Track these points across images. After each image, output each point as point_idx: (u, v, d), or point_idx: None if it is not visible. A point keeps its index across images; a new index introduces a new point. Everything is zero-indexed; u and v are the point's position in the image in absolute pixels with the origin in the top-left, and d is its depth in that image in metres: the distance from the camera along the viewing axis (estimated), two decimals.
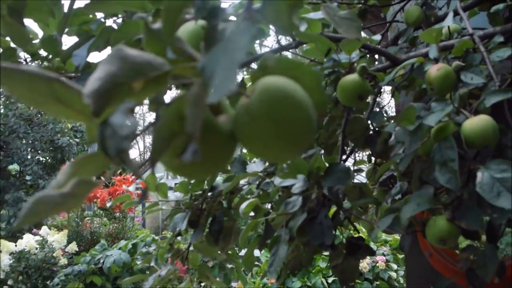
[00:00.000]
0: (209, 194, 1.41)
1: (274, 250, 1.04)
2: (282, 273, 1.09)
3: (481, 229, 0.85)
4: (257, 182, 1.35)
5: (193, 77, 0.32)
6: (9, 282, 4.11)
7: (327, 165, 1.04)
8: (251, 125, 0.35)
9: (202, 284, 1.86)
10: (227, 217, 1.42)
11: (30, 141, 9.42)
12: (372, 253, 1.03)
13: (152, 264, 1.42)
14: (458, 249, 1.04)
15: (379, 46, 1.09)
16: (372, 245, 4.20)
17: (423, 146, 0.94)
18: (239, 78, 1.12)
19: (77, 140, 8.58)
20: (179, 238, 1.51)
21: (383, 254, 4.05)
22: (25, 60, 1.05)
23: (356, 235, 1.05)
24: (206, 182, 1.41)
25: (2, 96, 9.20)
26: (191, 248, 1.48)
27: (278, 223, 1.12)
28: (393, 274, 3.96)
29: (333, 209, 1.08)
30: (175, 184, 1.41)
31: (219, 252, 1.53)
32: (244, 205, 1.06)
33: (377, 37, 1.13)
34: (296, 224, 1.00)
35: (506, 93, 0.86)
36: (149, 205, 1.37)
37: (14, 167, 9.23)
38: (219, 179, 1.48)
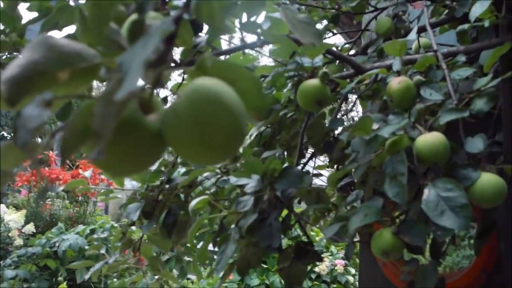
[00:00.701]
0: (167, 186, 1.39)
1: (223, 248, 1.03)
2: (227, 272, 1.09)
3: (424, 245, 0.86)
4: (215, 179, 1.34)
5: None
6: None
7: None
8: (176, 126, 0.34)
9: (156, 277, 1.85)
10: (184, 210, 1.41)
11: None
12: (320, 259, 1.04)
13: (103, 251, 1.40)
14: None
15: (340, 52, 1.10)
16: (333, 248, 4.25)
17: (378, 157, 0.95)
18: (181, 76, 1.11)
19: None
20: (133, 227, 1.49)
21: (343, 258, 4.10)
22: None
23: (304, 240, 1.06)
24: (165, 173, 1.40)
25: None
26: (145, 238, 1.46)
27: (230, 221, 1.11)
28: (351, 278, 4.02)
29: (285, 212, 1.08)
30: None
31: (173, 244, 1.51)
32: (194, 202, 1.05)
33: (340, 43, 1.13)
34: (245, 223, 1.00)
35: (461, 112, 0.87)
36: (102, 192, 1.35)
37: None
38: (178, 171, 1.46)
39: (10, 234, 4.10)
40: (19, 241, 4.01)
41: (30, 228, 4.16)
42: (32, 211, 4.67)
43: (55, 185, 5.47)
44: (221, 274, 1.05)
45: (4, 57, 1.02)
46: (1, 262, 3.73)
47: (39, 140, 0.30)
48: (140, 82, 0.33)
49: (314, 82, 0.95)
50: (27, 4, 0.94)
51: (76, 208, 4.87)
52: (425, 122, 0.90)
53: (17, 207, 5.09)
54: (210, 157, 0.36)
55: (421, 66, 0.98)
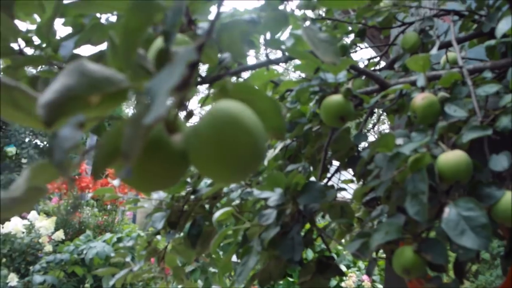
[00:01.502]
0: (192, 196, 1.42)
1: (245, 260, 1.05)
2: (248, 283, 1.10)
3: (446, 263, 0.85)
4: (240, 191, 1.36)
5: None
6: None
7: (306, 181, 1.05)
8: (197, 146, 0.36)
9: (179, 287, 1.87)
10: (208, 221, 1.43)
11: None
12: (341, 273, 1.04)
13: (128, 259, 1.43)
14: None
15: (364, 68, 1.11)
16: (360, 263, 4.20)
17: (401, 174, 0.95)
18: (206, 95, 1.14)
19: None
20: (158, 237, 1.52)
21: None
22: (19, 46, 1.06)
23: (327, 255, 1.06)
24: (191, 184, 1.42)
25: None
26: (170, 248, 1.49)
27: (253, 233, 1.13)
28: None
29: (308, 226, 1.09)
30: None
31: (197, 255, 1.53)
32: (218, 213, 1.07)
33: (364, 59, 1.14)
34: (268, 236, 1.01)
35: (484, 130, 0.87)
36: (129, 201, 1.38)
37: (10, 149, 9.25)
38: (204, 182, 1.49)
39: (40, 240, 4.21)
40: (48, 248, 4.11)
41: (60, 235, 4.26)
42: (62, 219, 4.78)
43: (85, 194, 5.59)
44: (242, 285, 1.07)
45: (39, 70, 1.07)
46: (31, 267, 3.82)
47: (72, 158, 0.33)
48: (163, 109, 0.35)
49: (337, 98, 0.96)
50: (62, 20, 0.99)
51: (104, 217, 4.96)
52: (449, 140, 0.90)
53: (48, 214, 5.22)
54: (229, 175, 0.37)
55: (446, 82, 0.98)
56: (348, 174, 1.56)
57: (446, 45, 1.28)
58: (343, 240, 1.35)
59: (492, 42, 1.13)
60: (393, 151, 0.91)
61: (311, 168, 1.35)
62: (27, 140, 9.37)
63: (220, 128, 0.36)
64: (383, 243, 0.86)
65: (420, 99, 0.98)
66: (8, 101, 0.33)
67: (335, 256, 1.06)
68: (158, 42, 0.47)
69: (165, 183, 0.39)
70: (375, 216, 1.09)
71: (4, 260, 4.16)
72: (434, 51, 1.06)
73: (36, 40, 1.05)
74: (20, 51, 1.07)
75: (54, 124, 0.29)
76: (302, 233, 1.04)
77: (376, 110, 1.46)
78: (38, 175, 0.33)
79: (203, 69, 1.09)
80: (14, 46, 1.07)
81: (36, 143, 8.61)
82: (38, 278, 3.39)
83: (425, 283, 1.48)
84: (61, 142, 0.27)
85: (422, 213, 0.81)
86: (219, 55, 0.97)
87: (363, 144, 1.26)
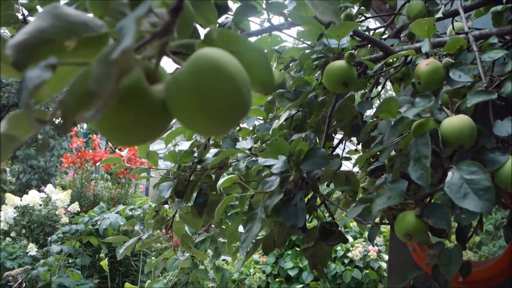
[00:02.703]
0: (198, 166, 1.43)
1: (249, 227, 1.06)
2: (251, 251, 1.11)
3: (448, 228, 0.85)
4: (246, 160, 1.37)
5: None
6: (12, 234, 4.21)
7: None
8: (178, 95, 0.35)
9: (187, 254, 1.90)
10: (214, 191, 1.44)
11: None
12: (345, 240, 1.04)
13: (137, 228, 1.45)
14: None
15: (367, 33, 1.08)
16: (366, 234, 4.21)
17: (404, 140, 0.94)
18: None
19: None
20: (166, 206, 1.54)
21: (376, 244, 4.07)
22: (23, 15, 1.06)
23: (330, 221, 1.07)
24: (196, 154, 1.43)
25: None
26: (177, 217, 1.51)
27: (257, 201, 1.13)
28: (383, 264, 3.99)
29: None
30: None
31: (204, 224, 1.55)
32: (222, 181, 1.08)
33: (369, 24, 1.12)
34: (271, 203, 1.02)
35: (489, 94, 0.85)
36: (136, 171, 1.39)
37: None
38: (211, 152, 1.49)
39: (57, 212, 4.30)
40: (65, 219, 4.20)
41: (75, 207, 4.35)
42: (77, 191, 4.86)
43: (98, 167, 5.66)
44: (246, 251, 1.08)
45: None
46: (48, 238, 3.91)
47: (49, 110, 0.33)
48: (145, 51, 0.35)
49: (340, 63, 0.95)
50: None
51: (118, 190, 5.04)
52: (453, 105, 0.88)
53: (64, 187, 5.32)
54: (210, 125, 0.36)
55: (451, 48, 0.96)
56: (353, 146, 1.55)
57: (452, 14, 1.25)
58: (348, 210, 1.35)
59: (498, 7, 1.10)
60: (397, 116, 0.90)
61: (316, 138, 1.35)
62: None
63: (201, 75, 0.34)
64: (385, 208, 0.86)
65: (424, 64, 0.96)
66: None
67: (338, 223, 1.07)
68: None
69: (144, 135, 0.37)
70: (379, 184, 1.08)
71: (23, 231, 4.28)
72: (439, 14, 1.03)
73: (40, 9, 1.05)
74: (24, 20, 1.07)
75: (24, 66, 0.29)
76: (306, 200, 1.04)
77: (381, 80, 1.44)
78: (16, 124, 0.33)
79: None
80: (18, 14, 1.08)
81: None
82: (55, 248, 3.47)
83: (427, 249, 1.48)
84: (27, 82, 0.27)
85: (425, 178, 0.80)
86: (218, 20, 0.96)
87: (368, 113, 1.25)
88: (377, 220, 1.03)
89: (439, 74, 0.94)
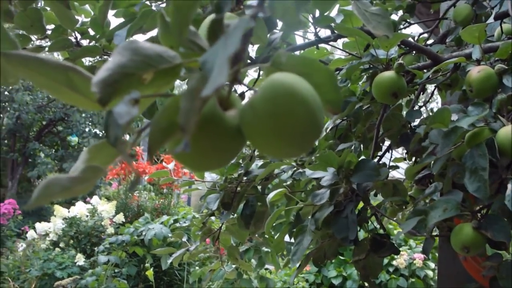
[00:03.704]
0: (244, 178, 1.44)
1: (299, 239, 1.06)
2: (303, 263, 1.11)
3: (508, 240, 0.83)
4: (291, 172, 1.37)
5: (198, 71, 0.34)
6: (61, 244, 4.36)
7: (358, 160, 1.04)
8: (253, 120, 0.35)
9: (233, 266, 1.91)
10: (261, 202, 1.45)
11: (88, 115, 9.88)
12: (396, 252, 1.03)
13: (184, 239, 1.48)
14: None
15: (416, 42, 1.07)
16: (411, 242, 4.12)
17: (457, 149, 0.92)
18: (257, 73, 1.14)
19: None
20: (213, 218, 1.56)
21: (421, 252, 3.96)
22: (76, 38, 1.10)
23: (381, 233, 1.05)
24: (243, 166, 1.44)
25: None
26: (224, 228, 1.52)
27: (306, 212, 1.13)
28: (430, 273, 3.88)
29: (361, 204, 1.08)
30: None
31: (250, 235, 1.56)
32: (272, 195, 1.08)
33: (415, 33, 1.10)
34: (322, 216, 1.01)
35: None
36: (183, 183, 1.42)
37: (73, 139, 9.74)
38: (256, 164, 1.51)
39: (103, 223, 4.42)
40: (110, 230, 4.32)
41: (120, 217, 4.46)
42: (122, 202, 4.98)
43: (142, 178, 5.79)
44: (298, 264, 1.08)
45: (96, 60, 1.11)
46: (95, 248, 4.02)
47: (128, 137, 0.34)
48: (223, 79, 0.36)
49: (389, 74, 0.94)
50: (114, 11, 1.02)
51: (161, 200, 5.13)
52: (508, 113, 0.86)
53: (109, 199, 5.46)
54: (286, 150, 0.36)
55: (503, 54, 0.93)
56: (398, 153, 1.53)
57: (501, 16, 1.21)
58: (395, 219, 1.33)
59: None
60: (449, 126, 0.88)
61: (361, 147, 1.33)
62: (87, 129, 9.81)
63: (275, 100, 0.35)
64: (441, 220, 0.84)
65: (476, 71, 0.94)
66: (64, 83, 0.34)
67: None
68: (207, 22, 0.48)
69: (220, 160, 0.38)
70: (428, 193, 1.06)
71: (71, 241, 4.42)
72: (490, 19, 1.01)
73: (91, 32, 1.09)
74: (77, 43, 1.12)
75: (108, 102, 0.30)
76: (356, 212, 1.03)
77: (427, 86, 1.41)
78: (95, 155, 0.34)
79: (252, 50, 1.10)
80: (71, 38, 1.12)
81: (95, 132, 8.97)
82: (102, 258, 3.57)
83: (481, 262, 1.43)
84: (116, 118, 0.28)
85: (483, 190, 0.78)
86: (268, 36, 0.97)
87: (416, 122, 1.23)
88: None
89: (491, 81, 0.92)
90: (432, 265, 3.96)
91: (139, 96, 0.31)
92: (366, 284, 1.09)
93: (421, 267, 3.86)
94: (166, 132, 0.32)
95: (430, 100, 1.45)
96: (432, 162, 0.96)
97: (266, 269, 3.72)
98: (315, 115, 0.36)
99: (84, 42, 1.11)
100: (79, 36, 1.09)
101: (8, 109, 8.92)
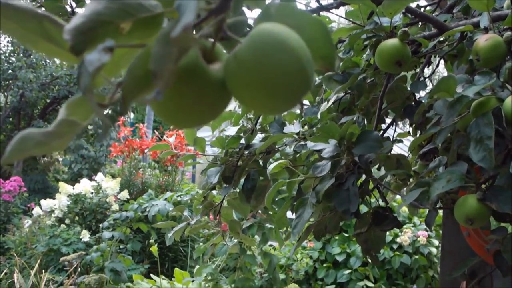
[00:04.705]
0: (246, 152, 1.42)
1: (300, 212, 1.04)
2: (303, 236, 1.09)
3: None
4: (293, 145, 1.35)
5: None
6: (66, 221, 4.40)
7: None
8: (238, 73, 0.33)
9: (235, 240, 1.91)
10: (262, 176, 1.43)
11: None
12: (399, 225, 1.01)
13: (186, 213, 1.47)
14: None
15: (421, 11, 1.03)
16: (415, 219, 4.12)
17: (463, 120, 0.90)
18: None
19: None
20: (214, 192, 1.55)
21: (426, 230, 3.97)
22: (71, 6, 1.08)
23: (384, 206, 1.03)
24: (243, 139, 1.42)
25: None
26: (225, 203, 1.51)
27: (307, 186, 1.11)
28: (434, 250, 3.89)
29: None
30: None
31: (252, 210, 1.55)
32: (272, 166, 1.06)
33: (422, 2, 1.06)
34: (323, 188, 0.99)
35: None
36: (183, 157, 1.40)
37: None
38: (258, 137, 1.48)
39: (107, 199, 4.45)
40: (115, 206, 4.34)
41: (125, 194, 4.48)
42: (126, 179, 5.00)
43: (145, 156, 5.80)
44: (297, 237, 1.06)
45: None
46: (100, 225, 4.05)
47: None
48: (203, 30, 0.33)
49: (393, 41, 0.91)
50: None
51: (165, 177, 5.14)
52: None
53: (113, 176, 5.48)
54: (273, 103, 0.34)
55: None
56: (400, 130, 1.50)
57: None
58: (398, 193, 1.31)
59: None
60: (455, 96, 0.86)
61: (365, 122, 1.31)
62: None
63: (262, 51, 0.32)
64: (444, 192, 0.82)
65: (483, 40, 0.90)
66: (39, 32, 0.32)
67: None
68: None
69: (203, 116, 0.36)
70: (433, 167, 1.04)
71: (76, 218, 4.45)
72: None
73: (88, 1, 1.06)
74: (72, 11, 1.09)
75: (82, 51, 0.28)
76: (358, 184, 1.01)
77: (432, 58, 1.37)
78: (74, 111, 0.32)
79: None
80: (67, 6, 1.09)
81: None
82: (107, 234, 3.59)
83: (485, 237, 1.42)
84: (86, 65, 0.26)
85: (488, 159, 0.76)
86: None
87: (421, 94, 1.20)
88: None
89: (500, 50, 0.88)
90: (436, 242, 3.96)
91: (114, 45, 0.28)
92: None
93: (425, 244, 3.87)
94: (141, 81, 0.29)
95: (436, 72, 1.41)
96: (437, 133, 0.93)
97: (270, 245, 3.74)
98: (304, 66, 0.34)
99: (80, 11, 1.08)
100: (74, 4, 1.06)
101: (12, 87, 8.91)
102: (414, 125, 1.22)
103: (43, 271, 3.51)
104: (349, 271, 3.86)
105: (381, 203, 1.10)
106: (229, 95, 0.36)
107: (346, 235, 4.06)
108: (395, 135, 1.36)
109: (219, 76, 0.35)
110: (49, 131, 0.30)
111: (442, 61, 1.29)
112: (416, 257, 3.85)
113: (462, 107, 0.84)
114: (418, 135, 1.39)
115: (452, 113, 0.85)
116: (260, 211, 1.93)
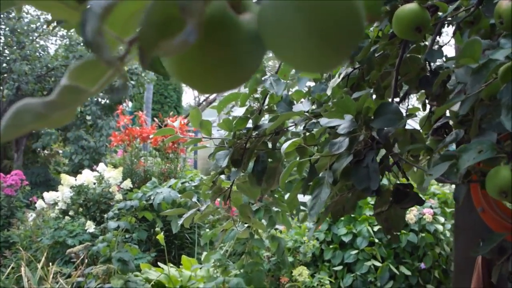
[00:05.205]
0: (254, 133, 1.37)
1: (316, 192, 0.99)
2: (321, 217, 1.05)
3: None
4: (303, 123, 1.29)
5: None
6: (70, 213, 4.36)
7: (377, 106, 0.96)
8: (277, 19, 0.27)
9: (246, 225, 1.87)
10: (272, 158, 1.39)
11: None
12: (421, 202, 0.97)
13: (194, 200, 1.42)
14: None
15: None
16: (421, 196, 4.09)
17: (488, 87, 0.84)
18: None
19: (133, 82, 8.74)
20: (222, 176, 1.50)
21: (431, 207, 3.94)
22: None
23: (404, 182, 0.99)
24: (251, 121, 1.37)
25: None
26: (234, 187, 1.47)
27: (322, 165, 1.07)
28: (440, 227, 3.86)
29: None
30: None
31: (262, 192, 1.50)
32: (286, 145, 1.01)
33: None
34: (340, 166, 0.95)
35: None
36: (190, 141, 1.35)
37: None
38: (265, 118, 1.43)
39: (110, 189, 4.41)
40: (118, 196, 4.30)
41: (128, 183, 4.44)
42: (128, 169, 4.95)
43: (147, 144, 5.74)
44: (315, 219, 1.02)
45: None
46: (105, 215, 4.02)
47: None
48: None
49: (411, 6, 0.85)
50: None
51: (167, 165, 5.09)
52: None
53: (115, 166, 5.44)
54: (319, 55, 0.28)
55: None
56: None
57: None
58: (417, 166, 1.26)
59: None
60: (480, 62, 0.80)
61: (374, 96, 1.25)
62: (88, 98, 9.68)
63: None
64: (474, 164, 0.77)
65: (507, 1, 0.85)
66: None
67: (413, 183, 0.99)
68: None
69: (233, 77, 0.30)
70: (449, 141, 0.99)
71: (80, 209, 4.42)
72: None
73: None
74: None
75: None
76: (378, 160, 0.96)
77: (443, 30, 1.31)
78: (79, 75, 0.27)
79: None
80: None
81: (97, 100, 8.87)
82: (112, 224, 3.55)
83: (500, 213, 1.37)
84: (93, 8, 0.21)
85: None
86: None
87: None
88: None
89: None
90: (442, 219, 3.93)
91: None
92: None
93: (431, 221, 3.84)
94: (161, 28, 0.24)
95: (449, 43, 1.36)
96: (460, 102, 0.88)
97: (276, 229, 3.71)
98: (356, 11, 0.28)
99: None
100: None
101: (7, 80, 8.81)
102: (430, 97, 1.16)
103: (50, 263, 3.48)
104: (356, 251, 3.84)
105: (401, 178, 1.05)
106: (262, 51, 0.30)
107: (352, 215, 4.02)
108: (407, 110, 1.31)
109: (251, 28, 0.29)
110: (49, 100, 0.25)
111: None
112: (423, 235, 3.82)
113: (489, 72, 0.78)
114: (427, 109, 1.34)
115: (478, 79, 0.79)
116: (266, 195, 1.89)
